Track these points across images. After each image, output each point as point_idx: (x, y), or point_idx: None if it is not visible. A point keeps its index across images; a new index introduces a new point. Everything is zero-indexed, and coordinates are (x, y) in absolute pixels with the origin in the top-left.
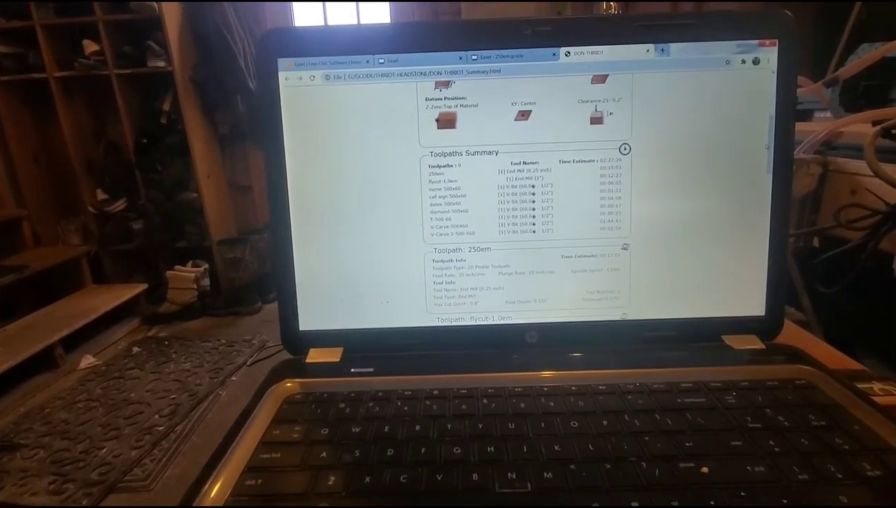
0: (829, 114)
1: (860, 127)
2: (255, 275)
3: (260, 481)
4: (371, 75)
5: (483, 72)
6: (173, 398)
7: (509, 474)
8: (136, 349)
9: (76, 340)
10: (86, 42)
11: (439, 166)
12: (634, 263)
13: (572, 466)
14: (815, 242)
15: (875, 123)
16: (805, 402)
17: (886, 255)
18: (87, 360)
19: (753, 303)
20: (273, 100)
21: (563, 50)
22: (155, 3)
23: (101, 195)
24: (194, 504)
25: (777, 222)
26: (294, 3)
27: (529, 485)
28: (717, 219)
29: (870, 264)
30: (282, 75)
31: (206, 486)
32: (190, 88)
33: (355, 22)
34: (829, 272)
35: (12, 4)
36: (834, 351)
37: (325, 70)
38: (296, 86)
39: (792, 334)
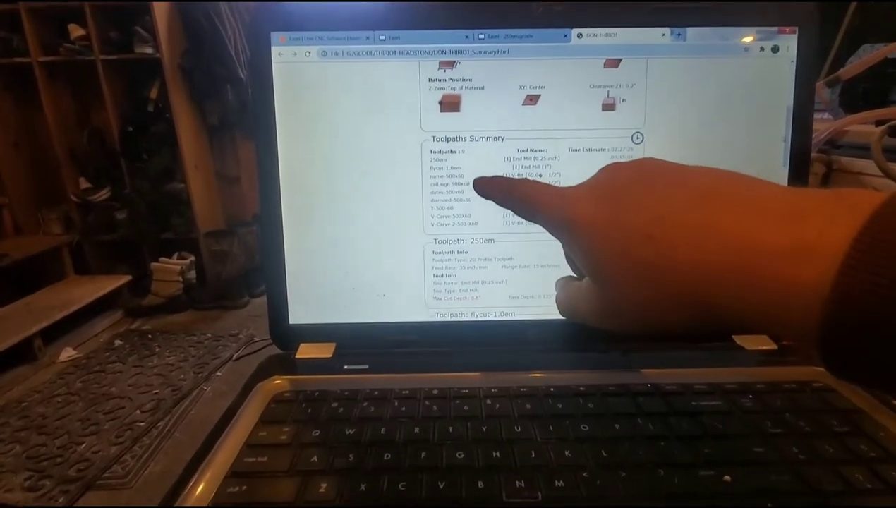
0: (827, 115)
1: (864, 126)
2: (242, 269)
3: (244, 487)
4: (371, 53)
5: (490, 52)
6: (156, 393)
7: (517, 482)
8: (118, 342)
9: (56, 332)
10: (71, 26)
11: (442, 152)
12: None
13: (585, 473)
14: None
15: (879, 123)
16: (825, 407)
17: None
18: (67, 353)
19: None
20: (265, 78)
21: (575, 31)
22: None
23: (84, 183)
24: None
25: None
26: None
27: (540, 494)
28: None
29: None
30: (275, 50)
31: (186, 492)
32: (178, 76)
33: None
34: None
35: None
36: None
37: (321, 45)
38: (290, 63)
39: None
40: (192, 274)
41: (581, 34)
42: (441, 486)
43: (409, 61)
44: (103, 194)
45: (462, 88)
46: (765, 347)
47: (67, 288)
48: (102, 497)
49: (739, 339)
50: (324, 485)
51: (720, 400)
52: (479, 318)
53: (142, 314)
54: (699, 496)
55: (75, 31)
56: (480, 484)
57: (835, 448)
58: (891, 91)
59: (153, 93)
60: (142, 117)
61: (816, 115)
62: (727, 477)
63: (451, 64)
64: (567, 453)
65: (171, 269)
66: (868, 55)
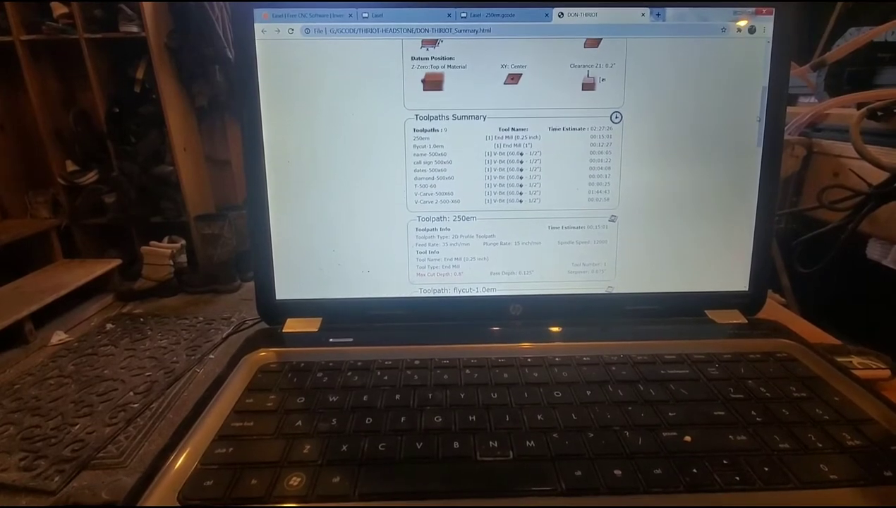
0: (813, 98)
1: (845, 109)
2: (233, 252)
3: (231, 449)
4: (354, 30)
5: (472, 31)
6: (149, 375)
7: (491, 442)
8: (109, 325)
9: (47, 316)
10: (53, 4)
11: (424, 130)
12: (621, 236)
13: (555, 435)
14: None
15: (860, 106)
16: (786, 374)
17: (866, 237)
18: (59, 336)
19: (737, 278)
20: (248, 55)
21: (556, 10)
22: None
23: (71, 166)
24: (160, 475)
25: (764, 197)
26: None
27: (511, 453)
28: (705, 192)
29: (849, 245)
30: (258, 27)
31: (175, 454)
32: (165, 56)
33: None
34: (808, 253)
35: None
36: (813, 327)
37: (304, 22)
38: (273, 40)
39: (773, 311)
40: (183, 258)
41: (562, 13)
42: (419, 447)
43: (392, 39)
44: (91, 177)
45: (445, 67)
46: (735, 321)
47: (57, 272)
48: (98, 476)
49: (711, 314)
50: (307, 447)
51: (688, 368)
52: (461, 294)
53: (133, 298)
54: (658, 455)
55: (58, 8)
56: (456, 445)
57: (791, 412)
58: (876, 74)
59: (139, 74)
60: (128, 98)
61: (802, 99)
62: (687, 438)
63: (434, 42)
64: (539, 417)
65: (162, 253)
66: (854, 38)
